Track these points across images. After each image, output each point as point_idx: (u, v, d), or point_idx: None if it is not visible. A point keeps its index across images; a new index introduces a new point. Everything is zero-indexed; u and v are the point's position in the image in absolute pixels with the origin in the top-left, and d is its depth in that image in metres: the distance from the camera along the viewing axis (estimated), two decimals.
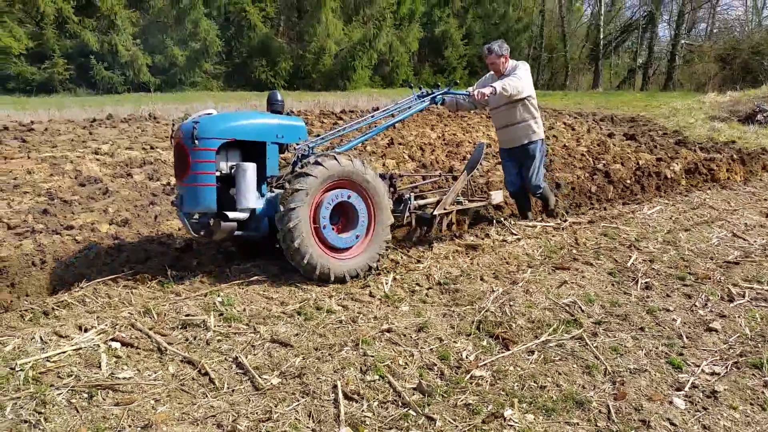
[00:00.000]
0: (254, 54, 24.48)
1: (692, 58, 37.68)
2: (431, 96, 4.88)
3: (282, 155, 4.31)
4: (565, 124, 13.17)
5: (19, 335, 3.11)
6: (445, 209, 4.99)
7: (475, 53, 34.11)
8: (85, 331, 3.17)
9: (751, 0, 37.29)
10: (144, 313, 3.40)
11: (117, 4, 21.42)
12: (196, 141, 3.71)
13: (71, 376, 2.77)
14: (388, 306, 3.71)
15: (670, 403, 2.81)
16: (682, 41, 35.53)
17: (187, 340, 3.15)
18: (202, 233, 3.99)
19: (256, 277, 4.07)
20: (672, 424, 2.66)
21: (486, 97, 4.90)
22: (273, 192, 4.19)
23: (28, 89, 21.43)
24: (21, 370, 2.76)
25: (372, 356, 3.04)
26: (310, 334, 3.26)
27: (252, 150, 4.05)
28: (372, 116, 4.91)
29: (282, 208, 3.74)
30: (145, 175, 7.32)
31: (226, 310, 3.50)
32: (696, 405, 2.81)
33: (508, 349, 3.23)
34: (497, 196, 5.57)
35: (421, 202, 4.96)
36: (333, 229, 4.01)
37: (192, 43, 22.68)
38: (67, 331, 3.16)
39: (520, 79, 5.08)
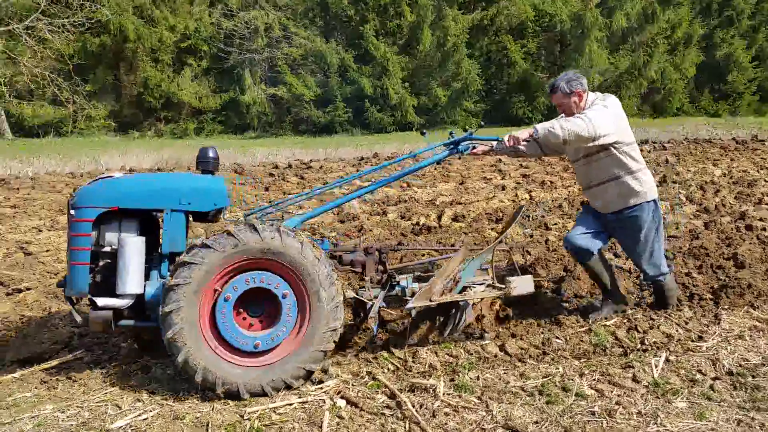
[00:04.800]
0: (513, 90, 24.46)
1: None
2: (453, 142, 3.73)
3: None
4: None
5: None
6: (430, 300, 3.37)
7: None
8: (320, 383, 3.12)
9: None
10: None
11: (389, 51, 23.44)
12: (72, 211, 3.09)
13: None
14: (658, 398, 2.93)
15: None
16: None
17: (413, 405, 2.87)
18: (80, 320, 3.24)
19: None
20: None
21: (521, 143, 3.51)
22: None
23: (313, 130, 24.75)
24: (248, 419, 2.77)
25: None
26: (553, 424, 2.70)
27: (146, 221, 3.35)
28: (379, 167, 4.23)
29: (160, 311, 2.90)
30: (398, 213, 7.49)
31: (460, 374, 3.16)
32: None
33: None
34: (523, 284, 3.55)
35: (425, 285, 3.43)
36: (257, 324, 3.11)
37: (454, 84, 23.61)
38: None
39: (590, 120, 3.45)
